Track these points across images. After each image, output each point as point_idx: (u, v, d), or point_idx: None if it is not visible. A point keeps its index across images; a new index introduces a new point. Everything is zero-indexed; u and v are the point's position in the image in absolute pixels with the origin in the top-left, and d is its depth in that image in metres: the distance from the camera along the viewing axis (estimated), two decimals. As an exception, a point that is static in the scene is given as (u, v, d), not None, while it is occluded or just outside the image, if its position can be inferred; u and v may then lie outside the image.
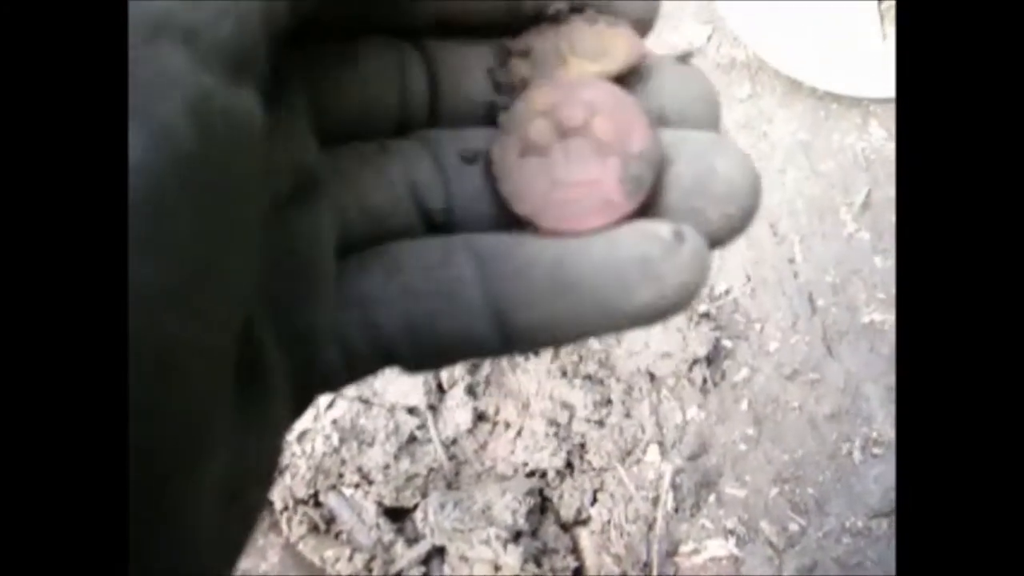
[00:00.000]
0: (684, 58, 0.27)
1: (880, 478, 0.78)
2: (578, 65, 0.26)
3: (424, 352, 0.23)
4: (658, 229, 0.23)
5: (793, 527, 0.77)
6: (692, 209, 0.23)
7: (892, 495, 0.77)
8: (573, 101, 0.25)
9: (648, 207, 0.24)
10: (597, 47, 0.25)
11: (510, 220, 0.24)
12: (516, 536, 0.73)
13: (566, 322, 0.22)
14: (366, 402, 0.79)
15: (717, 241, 0.23)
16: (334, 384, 0.23)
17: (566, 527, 0.77)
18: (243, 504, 0.19)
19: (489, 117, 0.25)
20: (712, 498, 0.78)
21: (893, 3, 0.93)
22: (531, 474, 0.77)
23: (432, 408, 0.79)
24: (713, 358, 0.81)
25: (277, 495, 0.77)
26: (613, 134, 0.24)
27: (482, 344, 0.23)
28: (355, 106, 0.24)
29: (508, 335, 0.22)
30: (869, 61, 0.92)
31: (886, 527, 0.76)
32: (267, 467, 0.20)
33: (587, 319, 0.22)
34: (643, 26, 0.26)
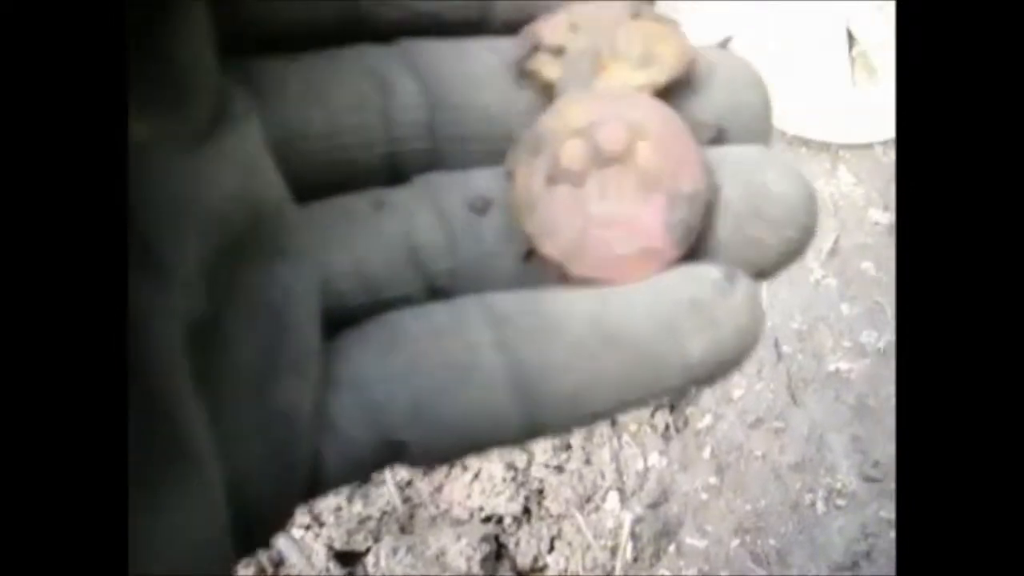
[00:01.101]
0: (724, 43, 0.24)
1: (843, 530, 0.76)
2: (620, 72, 0.22)
3: (434, 439, 0.19)
4: (708, 270, 0.20)
5: (754, 579, 0.75)
6: (747, 239, 0.21)
7: (855, 547, 0.76)
8: (615, 120, 0.21)
9: (696, 242, 0.21)
10: (643, 50, 0.22)
11: (531, 271, 0.21)
12: (470, 584, 0.71)
13: (607, 387, 0.19)
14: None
15: (775, 269, 0.21)
16: (325, 482, 0.19)
17: (522, 575, 0.75)
18: None
19: (504, 136, 0.21)
20: (672, 548, 0.76)
21: (864, 50, 0.93)
22: (487, 519, 0.75)
23: (387, 449, 0.76)
24: (676, 404, 0.79)
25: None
26: (661, 166, 0.20)
27: (504, 424, 0.19)
28: (330, 147, 0.21)
29: (536, 410, 0.19)
30: (839, 107, 0.91)
31: (848, 581, 0.75)
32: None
33: (633, 381, 0.19)
34: None
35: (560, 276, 0.21)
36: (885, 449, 0.78)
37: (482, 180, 0.21)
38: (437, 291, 0.21)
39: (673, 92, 0.22)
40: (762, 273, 0.21)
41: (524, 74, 0.22)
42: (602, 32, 0.22)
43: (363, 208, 0.21)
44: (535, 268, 0.21)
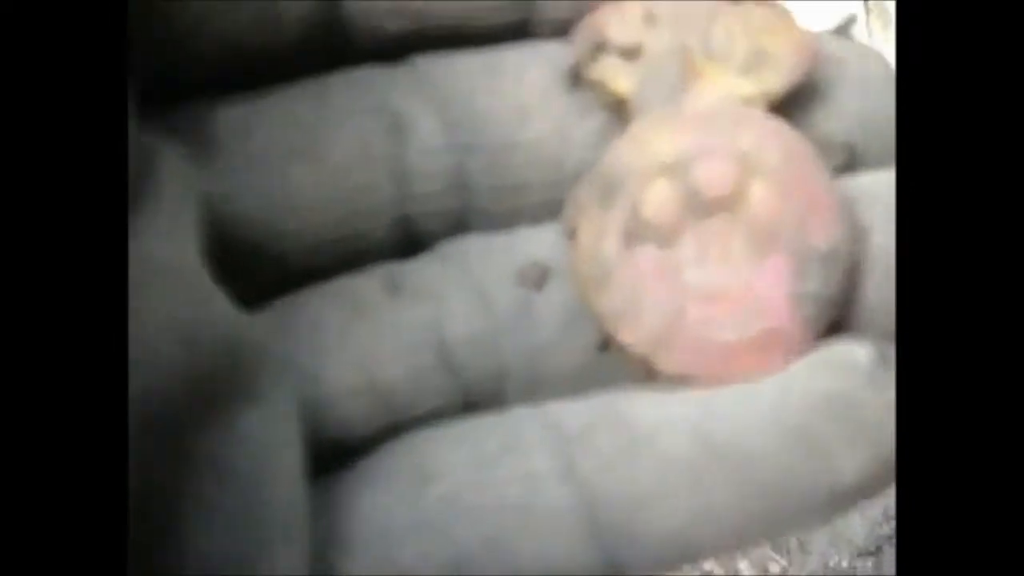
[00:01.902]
0: (846, 27, 0.18)
1: (865, 514, 0.73)
2: (721, 80, 0.16)
3: None
4: (852, 352, 0.15)
5: (774, 568, 0.72)
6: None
7: (878, 531, 0.73)
8: (718, 151, 0.15)
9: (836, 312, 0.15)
10: (751, 47, 0.16)
11: (607, 367, 0.16)
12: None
13: (720, 522, 0.15)
14: None
15: None
16: None
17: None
18: None
19: (562, 181, 0.16)
20: (687, 536, 0.73)
21: (880, 1, 0.88)
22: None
23: None
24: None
25: None
26: (784, 215, 0.15)
27: None
28: (324, 220, 0.15)
29: (621, 558, 0.14)
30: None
31: (871, 566, 0.72)
32: None
33: (757, 513, 0.15)
34: None
35: (647, 373, 0.15)
36: (907, 426, 0.75)
37: (534, 242, 0.16)
38: (478, 401, 0.16)
39: (792, 103, 0.16)
40: None
41: (584, 86, 0.16)
42: (691, 24, 0.16)
43: (373, 294, 0.16)
44: (612, 362, 0.16)
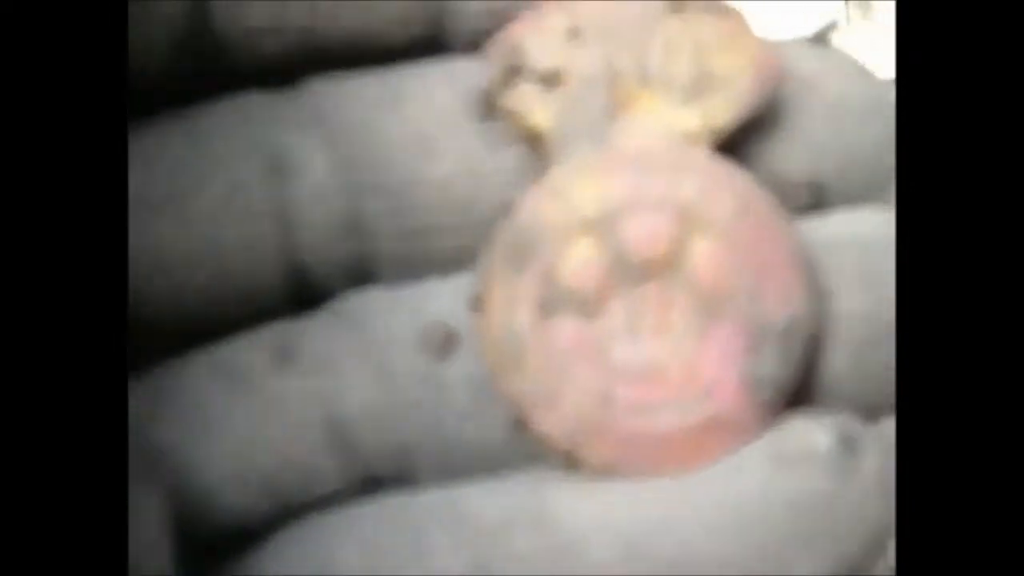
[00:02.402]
0: (823, 35, 0.16)
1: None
2: (659, 109, 0.14)
3: None
4: (809, 440, 0.13)
5: None
6: (878, 374, 0.14)
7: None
8: (655, 201, 0.13)
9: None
10: (697, 67, 0.14)
11: (527, 444, 0.14)
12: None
13: None
14: None
15: None
16: None
17: None
18: None
19: (475, 224, 0.14)
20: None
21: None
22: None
23: None
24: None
25: None
26: (733, 279, 0.13)
27: None
28: (200, 277, 0.14)
29: None
30: (833, 44, 0.85)
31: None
32: None
33: None
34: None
35: (569, 463, 0.13)
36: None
37: (443, 298, 0.14)
38: (377, 479, 0.14)
39: (748, 133, 0.14)
40: (883, 413, 0.14)
41: (497, 115, 0.14)
42: (624, 40, 0.14)
43: (258, 364, 0.14)
44: (533, 439, 0.14)
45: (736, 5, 0.14)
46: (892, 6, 0.86)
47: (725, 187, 0.13)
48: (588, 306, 0.13)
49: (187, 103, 0.14)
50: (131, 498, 0.12)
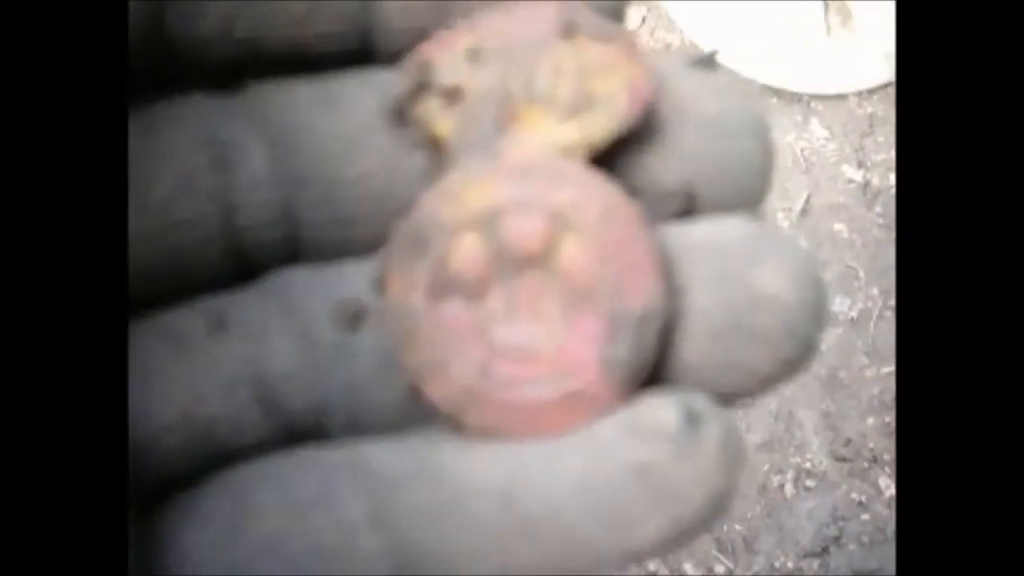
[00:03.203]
0: (707, 61, 0.16)
1: (813, 513, 0.72)
2: (541, 124, 0.15)
3: None
4: (659, 416, 0.15)
5: (719, 569, 0.71)
6: (726, 363, 0.15)
7: (825, 532, 0.72)
8: (530, 205, 0.15)
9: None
10: (577, 89, 0.15)
11: (423, 403, 0.15)
12: None
13: None
14: None
15: (760, 393, 0.16)
16: None
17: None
18: None
19: (390, 215, 0.15)
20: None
21: (840, -8, 0.87)
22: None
23: None
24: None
25: None
26: (597, 273, 0.15)
27: None
28: (151, 250, 0.15)
29: None
30: (812, 55, 0.85)
31: (817, 567, 0.71)
32: None
33: (557, 573, 0.15)
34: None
35: (453, 426, 0.15)
36: (857, 426, 0.74)
37: (356, 278, 0.16)
38: (297, 432, 0.16)
39: (626, 145, 0.15)
40: (737, 399, 0.16)
41: (408, 122, 0.15)
42: (518, 62, 0.15)
43: (196, 331, 0.16)
44: (429, 403, 0.15)
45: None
46: (871, 17, 0.86)
47: (594, 195, 0.15)
48: (472, 292, 0.15)
49: (141, 99, 0.15)
50: None
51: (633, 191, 0.15)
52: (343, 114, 0.16)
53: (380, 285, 0.15)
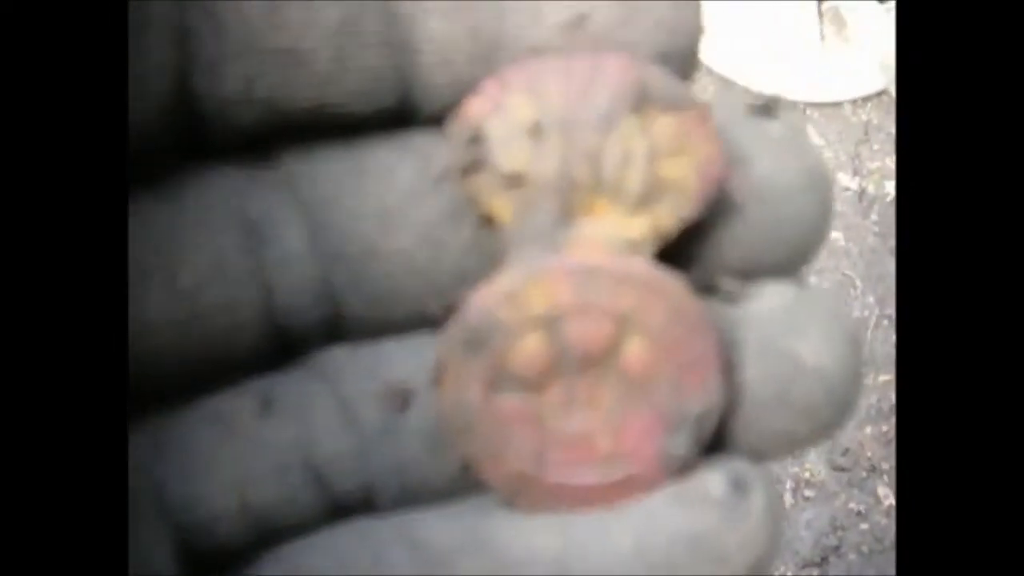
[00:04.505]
0: (768, 108, 0.15)
1: (811, 524, 0.72)
2: (610, 216, 0.14)
3: None
4: (707, 485, 0.15)
5: (718, 579, 0.71)
6: (769, 433, 0.16)
7: (824, 541, 0.72)
8: (597, 308, 0.14)
9: None
10: (647, 175, 0.14)
11: (471, 480, 0.15)
12: None
13: None
14: None
15: (795, 453, 0.17)
16: None
17: None
18: None
19: (433, 291, 0.15)
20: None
21: (834, 3, 0.87)
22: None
23: None
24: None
25: None
26: (659, 373, 0.15)
27: None
28: (184, 340, 0.15)
29: None
30: (806, 63, 0.86)
31: (817, 577, 0.71)
32: None
33: None
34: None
35: (508, 504, 0.15)
36: (855, 436, 0.74)
37: (402, 359, 0.16)
38: (347, 509, 0.16)
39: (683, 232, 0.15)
40: (776, 458, 0.16)
41: (458, 191, 0.15)
42: (583, 139, 0.14)
43: (244, 413, 0.15)
44: (476, 478, 0.16)
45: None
46: (866, 24, 0.86)
47: (660, 297, 0.14)
48: (532, 387, 0.15)
49: (168, 170, 0.15)
50: (140, 533, 0.14)
51: (694, 279, 0.15)
52: (380, 185, 0.15)
53: (437, 378, 0.15)
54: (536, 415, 0.15)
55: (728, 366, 0.15)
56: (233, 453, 0.15)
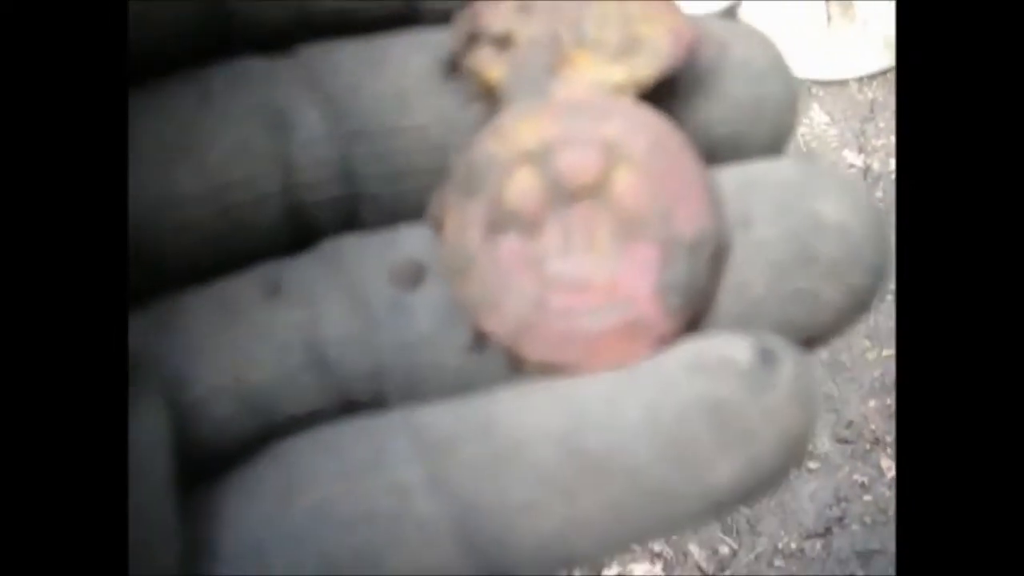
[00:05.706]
0: (731, 11, 0.17)
1: (815, 495, 0.73)
2: (591, 66, 0.16)
3: None
4: (730, 351, 0.14)
5: (724, 549, 0.72)
6: (792, 295, 0.15)
7: (827, 513, 0.73)
8: (583, 139, 0.15)
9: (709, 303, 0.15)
10: (624, 33, 0.16)
11: (484, 364, 0.15)
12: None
13: (591, 530, 0.14)
14: None
15: (833, 334, 0.15)
16: None
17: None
18: None
19: (436, 169, 0.16)
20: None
21: (841, -22, 0.87)
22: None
23: None
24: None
25: None
26: (650, 202, 0.15)
27: None
28: (208, 213, 0.15)
29: (494, 566, 0.14)
30: (812, 41, 0.86)
31: (820, 548, 0.72)
32: None
33: (629, 520, 0.14)
34: None
35: (512, 362, 0.15)
36: (858, 408, 0.75)
37: (413, 239, 0.16)
38: (358, 401, 0.15)
39: (667, 91, 0.16)
40: (815, 340, 0.15)
41: (461, 75, 0.16)
42: (564, 13, 0.16)
43: (250, 296, 0.15)
44: (487, 361, 0.15)
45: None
46: (871, 2, 0.86)
47: (643, 128, 0.15)
48: (528, 226, 0.15)
49: (193, 63, 0.16)
50: (134, 407, 0.14)
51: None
52: (395, 72, 0.16)
53: (437, 226, 0.15)
54: (535, 258, 0.15)
55: (718, 199, 0.15)
56: (234, 334, 0.15)
